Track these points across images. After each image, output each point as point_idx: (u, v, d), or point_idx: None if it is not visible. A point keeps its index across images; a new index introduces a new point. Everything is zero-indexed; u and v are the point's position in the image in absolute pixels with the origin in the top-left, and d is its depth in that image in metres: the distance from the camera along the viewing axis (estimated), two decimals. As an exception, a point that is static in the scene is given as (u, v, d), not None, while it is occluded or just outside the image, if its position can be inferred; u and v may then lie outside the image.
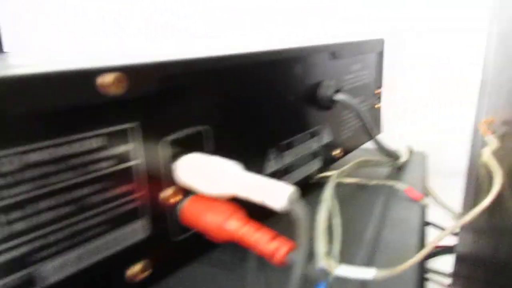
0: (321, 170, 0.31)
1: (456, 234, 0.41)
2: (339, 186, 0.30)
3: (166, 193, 0.19)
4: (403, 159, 0.38)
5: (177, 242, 0.20)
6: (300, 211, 0.15)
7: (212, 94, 0.21)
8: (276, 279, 0.20)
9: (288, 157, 0.27)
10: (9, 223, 0.14)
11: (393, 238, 0.25)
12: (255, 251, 0.17)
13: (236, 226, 0.17)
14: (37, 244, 0.15)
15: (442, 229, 0.39)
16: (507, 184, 0.22)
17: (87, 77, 0.15)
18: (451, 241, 0.42)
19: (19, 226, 0.14)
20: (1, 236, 0.13)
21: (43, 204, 0.14)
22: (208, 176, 0.18)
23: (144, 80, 0.17)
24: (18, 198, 0.14)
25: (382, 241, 0.24)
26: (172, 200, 0.19)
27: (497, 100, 0.30)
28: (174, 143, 0.19)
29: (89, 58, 0.22)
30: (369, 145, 0.36)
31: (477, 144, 0.38)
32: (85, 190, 0.16)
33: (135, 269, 0.18)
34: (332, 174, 0.29)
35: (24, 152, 0.14)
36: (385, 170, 0.37)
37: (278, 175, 0.26)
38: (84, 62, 0.16)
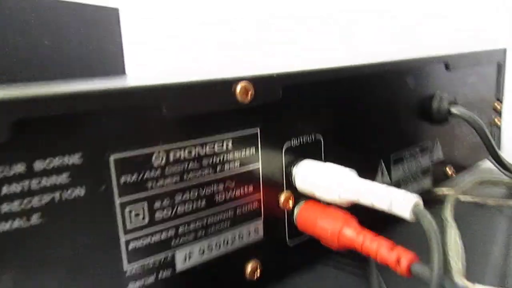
0: (432, 187, 0.29)
1: None
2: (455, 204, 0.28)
3: (283, 197, 0.20)
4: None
5: (292, 247, 0.20)
6: (430, 221, 0.15)
7: (327, 104, 0.21)
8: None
9: (398, 172, 0.26)
10: (154, 210, 0.16)
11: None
12: (375, 258, 0.16)
13: (355, 233, 0.17)
14: (173, 232, 0.16)
15: None
16: None
17: (227, 85, 0.17)
18: None
19: (161, 214, 0.16)
20: (147, 221, 0.15)
21: (181, 197, 0.16)
22: (327, 182, 0.18)
23: (269, 89, 0.18)
24: (162, 190, 0.16)
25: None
26: (288, 204, 0.20)
27: None
28: (292, 149, 0.20)
29: (219, 70, 0.25)
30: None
31: None
32: (214, 188, 0.17)
33: (249, 269, 0.19)
34: (449, 190, 0.27)
35: (171, 150, 0.16)
36: (500, 190, 0.33)
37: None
38: (218, 73, 0.18)
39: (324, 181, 0.18)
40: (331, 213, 0.19)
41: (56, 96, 0.13)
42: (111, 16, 0.47)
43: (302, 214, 0.20)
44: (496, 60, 0.33)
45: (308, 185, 0.19)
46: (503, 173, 0.30)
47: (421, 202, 0.16)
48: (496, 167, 0.30)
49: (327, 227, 0.18)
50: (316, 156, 0.21)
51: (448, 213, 0.26)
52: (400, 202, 0.16)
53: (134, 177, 0.15)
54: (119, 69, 0.53)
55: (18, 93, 0.12)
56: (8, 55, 0.32)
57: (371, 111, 0.24)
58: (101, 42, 0.45)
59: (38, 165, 0.13)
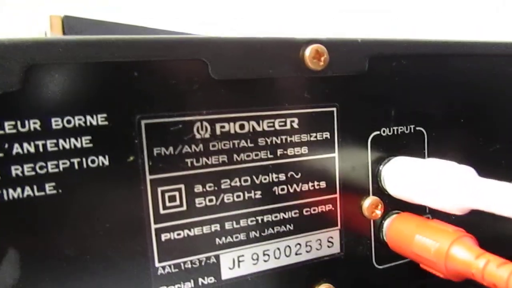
0: None
1: None
2: None
3: (368, 203, 0.15)
4: None
5: (379, 270, 0.15)
6: None
7: (433, 85, 0.16)
8: None
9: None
10: (194, 195, 0.12)
11: None
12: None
13: (472, 254, 0.12)
14: (218, 226, 0.13)
15: None
16: None
17: (294, 46, 0.13)
18: None
19: (202, 201, 0.13)
20: (185, 208, 0.12)
21: (229, 183, 0.13)
22: (435, 184, 0.13)
23: (351, 58, 0.14)
24: (206, 170, 0.12)
25: None
26: (375, 213, 0.15)
27: None
28: (381, 140, 0.15)
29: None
30: None
31: None
32: (273, 176, 0.13)
33: (321, 291, 0.14)
34: None
35: (218, 120, 0.13)
36: None
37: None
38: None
39: (430, 182, 0.13)
40: (436, 227, 0.13)
41: (79, 41, 0.11)
42: None
43: (394, 228, 0.15)
44: None
45: (405, 188, 0.14)
46: None
47: None
48: None
49: (429, 244, 0.13)
50: (416, 153, 0.16)
51: None
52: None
53: (171, 149, 0.12)
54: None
55: (34, 37, 0.11)
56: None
57: (493, 97, 0.18)
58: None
59: (55, 124, 0.11)
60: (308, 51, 0.13)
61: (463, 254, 0.12)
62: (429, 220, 0.14)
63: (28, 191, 0.11)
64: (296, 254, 0.14)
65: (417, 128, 0.16)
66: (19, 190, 0.10)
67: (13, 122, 0.10)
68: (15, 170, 0.10)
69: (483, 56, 0.17)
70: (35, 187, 0.11)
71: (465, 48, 0.16)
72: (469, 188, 0.12)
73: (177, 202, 0.12)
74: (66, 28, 0.20)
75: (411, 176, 0.14)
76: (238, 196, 0.13)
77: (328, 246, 0.15)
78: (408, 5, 0.58)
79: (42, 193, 0.11)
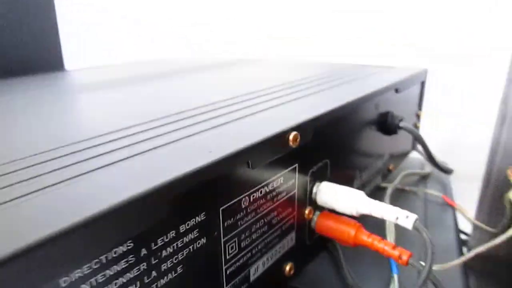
0: (381, 182, 0.38)
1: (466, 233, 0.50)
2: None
3: (307, 211, 0.25)
4: (428, 169, 0.46)
5: (309, 245, 0.27)
6: (427, 233, 0.22)
7: (331, 135, 0.27)
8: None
9: (365, 176, 0.34)
10: (241, 241, 0.20)
11: (439, 237, 0.33)
12: (382, 254, 0.24)
13: (367, 237, 0.24)
14: (249, 254, 0.21)
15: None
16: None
17: (284, 135, 0.21)
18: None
19: (244, 243, 0.20)
20: (236, 251, 0.20)
21: (255, 227, 0.21)
22: (347, 202, 0.24)
23: (308, 135, 0.23)
24: (245, 225, 0.20)
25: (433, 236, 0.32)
26: (310, 215, 0.26)
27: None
28: (313, 174, 0.25)
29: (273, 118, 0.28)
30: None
31: (497, 163, 0.46)
32: (272, 215, 0.22)
33: (287, 269, 0.25)
34: (388, 183, 0.37)
35: (252, 193, 0.20)
36: (414, 178, 0.45)
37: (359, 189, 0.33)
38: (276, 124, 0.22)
39: (346, 200, 0.25)
40: (346, 221, 0.25)
41: (191, 173, 0.16)
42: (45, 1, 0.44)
43: (320, 222, 0.26)
44: (421, 79, 0.42)
45: (329, 201, 0.25)
46: (431, 164, 0.41)
47: (417, 218, 0.23)
48: (428, 161, 0.40)
49: (347, 233, 0.25)
50: (326, 176, 0.27)
51: (387, 198, 0.34)
52: (405, 217, 0.23)
53: (232, 220, 0.19)
54: (57, 65, 0.50)
55: (178, 172, 0.15)
56: None
57: (355, 135, 0.30)
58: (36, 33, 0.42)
59: (182, 228, 0.16)
60: (291, 136, 0.21)
61: (364, 236, 0.24)
62: (341, 216, 0.26)
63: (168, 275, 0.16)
64: (279, 252, 0.24)
65: (326, 162, 0.27)
66: (164, 277, 0.16)
67: (162, 238, 0.15)
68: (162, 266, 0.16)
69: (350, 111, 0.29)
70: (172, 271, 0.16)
71: (342, 110, 0.28)
72: (362, 202, 0.24)
73: (235, 250, 0.20)
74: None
75: (333, 196, 0.25)
76: (258, 233, 0.21)
77: (291, 242, 0.25)
78: (401, 5, 0.63)
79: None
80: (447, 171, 0.44)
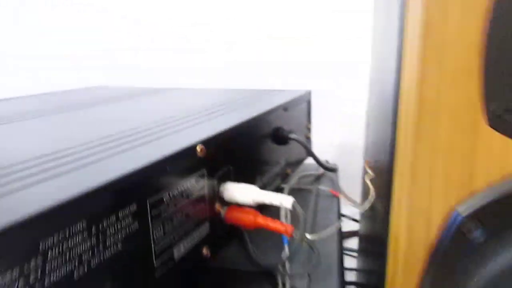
0: (280, 183, 0.47)
1: (357, 221, 0.61)
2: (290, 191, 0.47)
3: (217, 206, 0.33)
4: (321, 170, 0.57)
5: (222, 232, 0.34)
6: (300, 208, 0.31)
7: (232, 147, 0.35)
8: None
9: (266, 177, 0.42)
10: (164, 226, 0.27)
11: (325, 218, 0.43)
12: (275, 231, 0.32)
13: (262, 219, 0.33)
14: (174, 236, 0.28)
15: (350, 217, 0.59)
16: (376, 195, 0.41)
17: (193, 147, 0.29)
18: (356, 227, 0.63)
19: (167, 227, 0.27)
20: (162, 234, 0.27)
21: (176, 217, 0.28)
22: (245, 194, 0.33)
23: (211, 147, 0.31)
24: (167, 214, 0.27)
25: (320, 218, 0.42)
26: (219, 209, 0.33)
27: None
28: (219, 176, 0.33)
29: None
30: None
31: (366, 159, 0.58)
32: (189, 208, 0.29)
33: (204, 251, 0.32)
34: (287, 184, 0.46)
35: (175, 193, 0.27)
36: (311, 178, 0.55)
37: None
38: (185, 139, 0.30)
39: (243, 193, 0.33)
40: (247, 210, 0.33)
41: (126, 175, 0.23)
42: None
43: (228, 213, 0.34)
44: (307, 99, 0.53)
45: (232, 196, 0.33)
46: (319, 165, 0.52)
47: (294, 200, 0.32)
48: (316, 163, 0.51)
49: (248, 218, 0.33)
50: (230, 178, 0.35)
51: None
52: (286, 200, 0.32)
53: (157, 210, 0.26)
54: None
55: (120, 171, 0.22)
56: None
57: (254, 146, 0.39)
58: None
59: (120, 214, 0.23)
60: (199, 149, 0.29)
61: (261, 220, 0.33)
62: (243, 208, 0.34)
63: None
64: (197, 238, 0.31)
65: (229, 167, 0.35)
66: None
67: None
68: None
69: (247, 128, 0.38)
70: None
71: (239, 129, 0.36)
72: (255, 193, 0.33)
73: (162, 232, 0.26)
74: None
75: (235, 191, 0.33)
76: (179, 223, 0.28)
77: (205, 230, 0.32)
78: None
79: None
80: (331, 169, 0.55)
